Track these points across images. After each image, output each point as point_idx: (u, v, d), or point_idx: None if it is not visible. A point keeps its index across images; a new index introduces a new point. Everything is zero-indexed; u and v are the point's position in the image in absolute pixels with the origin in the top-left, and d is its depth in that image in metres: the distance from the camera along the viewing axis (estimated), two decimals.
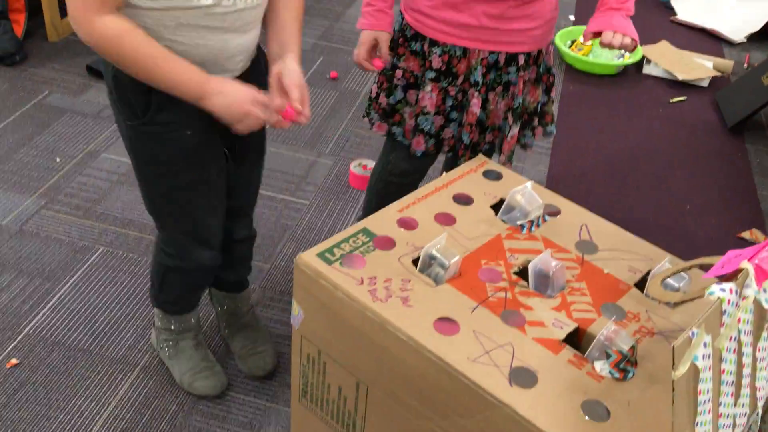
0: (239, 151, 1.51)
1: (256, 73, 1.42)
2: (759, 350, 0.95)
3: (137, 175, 1.45)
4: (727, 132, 2.98)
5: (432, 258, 1.21)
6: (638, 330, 1.16)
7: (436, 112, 1.58)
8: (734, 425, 0.93)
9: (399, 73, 1.59)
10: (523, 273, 1.26)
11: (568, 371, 1.07)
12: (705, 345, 0.81)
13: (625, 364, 1.06)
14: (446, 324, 1.12)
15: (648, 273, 1.28)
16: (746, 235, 2.39)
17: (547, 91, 1.67)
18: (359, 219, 1.96)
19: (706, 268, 1.09)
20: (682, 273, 1.22)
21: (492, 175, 1.48)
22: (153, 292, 1.67)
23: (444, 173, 1.48)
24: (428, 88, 1.55)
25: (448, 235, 1.28)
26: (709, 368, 0.83)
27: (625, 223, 1.41)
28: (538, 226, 1.36)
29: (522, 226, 1.35)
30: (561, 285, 1.22)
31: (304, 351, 1.32)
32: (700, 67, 3.36)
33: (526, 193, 1.36)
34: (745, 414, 0.96)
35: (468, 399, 1.05)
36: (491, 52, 1.52)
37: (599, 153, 2.78)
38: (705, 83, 3.29)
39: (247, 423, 1.64)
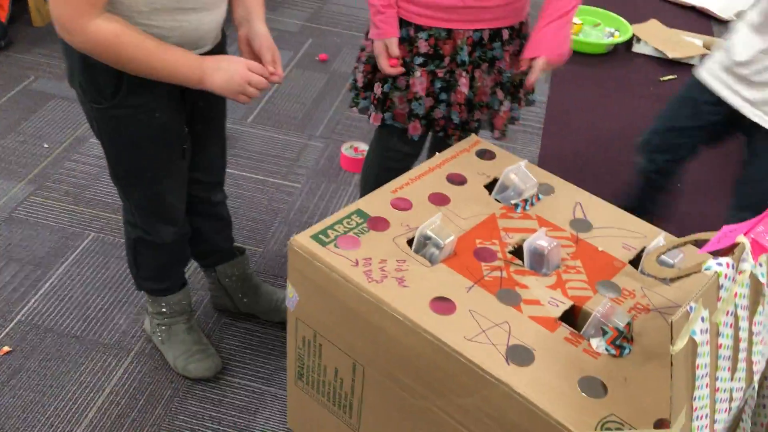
0: (203, 132, 1.53)
1: (220, 46, 1.44)
2: (755, 324, 0.96)
3: (104, 151, 1.45)
4: None
5: (427, 238, 1.21)
6: (633, 307, 1.16)
7: (426, 94, 1.57)
8: (731, 399, 0.93)
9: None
10: (518, 252, 1.25)
11: (564, 349, 1.07)
12: (702, 320, 0.81)
13: (621, 340, 1.06)
14: (442, 304, 1.12)
15: (642, 250, 1.28)
16: None
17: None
18: None
19: (700, 244, 1.10)
20: (676, 249, 1.23)
21: (485, 155, 1.48)
22: (132, 272, 1.68)
23: (436, 153, 1.48)
24: (417, 73, 1.54)
25: (442, 215, 1.28)
26: (707, 343, 0.83)
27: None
28: (532, 204, 1.36)
29: (516, 205, 1.34)
30: (556, 263, 1.22)
31: (300, 333, 1.32)
32: (689, 45, 3.35)
33: (520, 172, 1.36)
34: (742, 388, 0.96)
35: (465, 378, 1.05)
36: (476, 30, 1.52)
37: (590, 132, 2.77)
38: (695, 61, 3.29)
39: (243, 407, 1.64)
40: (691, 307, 0.79)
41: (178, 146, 1.45)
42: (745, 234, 0.89)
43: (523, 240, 1.27)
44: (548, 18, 1.51)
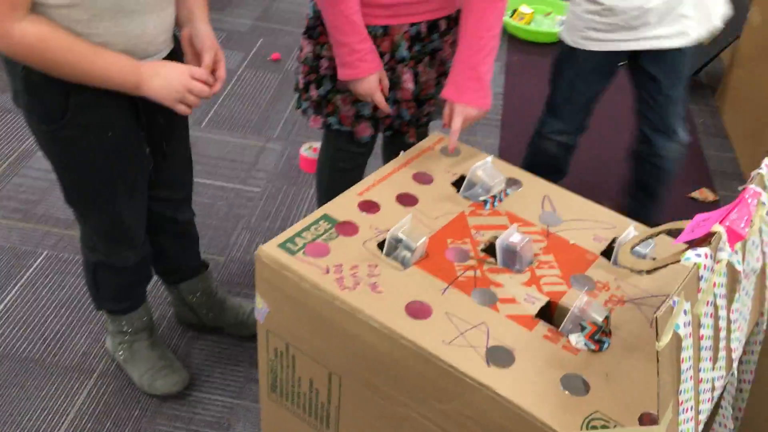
0: (167, 146, 1.47)
1: (175, 54, 1.38)
2: (732, 312, 0.95)
3: (56, 174, 1.38)
4: None
5: (398, 241, 1.18)
6: (609, 299, 1.15)
7: None
8: (713, 388, 0.93)
9: (324, 62, 1.54)
10: (490, 250, 1.23)
11: (544, 347, 1.06)
12: (685, 313, 0.81)
13: (600, 335, 1.05)
14: (418, 307, 1.10)
15: (613, 241, 1.27)
16: (696, 194, 2.44)
17: None
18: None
19: (674, 233, 1.09)
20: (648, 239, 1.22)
21: (449, 151, 1.45)
22: (92, 293, 1.61)
23: (401, 152, 1.45)
24: None
25: (412, 216, 1.25)
26: (690, 335, 0.82)
27: (579, 190, 1.41)
28: (500, 200, 1.34)
29: (485, 202, 1.32)
30: (529, 259, 1.21)
31: (271, 345, 1.28)
32: None
33: (487, 168, 1.34)
34: (722, 376, 0.96)
35: (446, 383, 1.03)
36: (412, 24, 1.49)
37: None
38: None
39: (215, 422, 1.59)
40: (674, 301, 0.78)
41: (135, 165, 1.39)
42: (720, 222, 0.89)
43: (495, 237, 1.25)
44: (472, 57, 1.43)
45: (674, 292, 0.79)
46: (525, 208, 1.33)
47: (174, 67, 1.25)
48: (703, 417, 0.92)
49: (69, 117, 1.24)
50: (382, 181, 1.36)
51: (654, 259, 1.16)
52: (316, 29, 1.54)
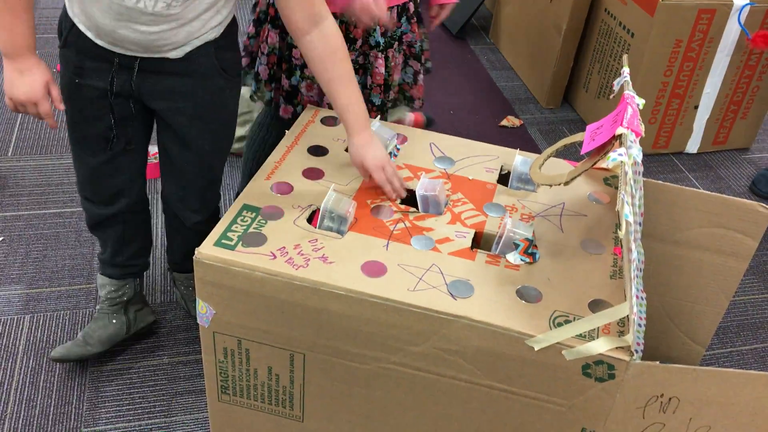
0: (134, 137, 1.53)
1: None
2: (638, 198, 1.14)
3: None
4: (453, 39, 3.29)
5: (330, 212, 1.22)
6: (520, 218, 1.30)
7: None
8: (639, 266, 1.11)
9: (297, 52, 1.53)
10: (407, 201, 1.32)
11: (490, 271, 1.18)
12: (627, 203, 0.96)
13: (532, 248, 1.20)
14: (372, 267, 1.16)
15: (502, 169, 1.43)
16: (505, 122, 2.71)
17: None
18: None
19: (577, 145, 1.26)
20: (527, 160, 1.39)
21: (330, 121, 1.51)
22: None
23: (285, 131, 1.47)
24: None
25: (323, 186, 1.30)
26: (634, 222, 0.98)
27: None
28: (395, 156, 1.43)
29: None
30: (445, 201, 1.32)
31: (219, 346, 1.26)
32: None
33: (378, 128, 1.41)
34: (642, 253, 1.14)
35: (420, 325, 1.11)
36: (389, 8, 1.51)
37: None
38: None
39: None
40: (623, 195, 0.93)
41: (90, 125, 1.41)
42: (620, 125, 1.05)
43: (406, 189, 1.34)
44: None
45: (620, 189, 0.94)
46: (419, 157, 1.44)
47: (44, 73, 1.27)
48: (635, 288, 1.10)
49: (68, 43, 1.30)
50: (283, 161, 1.38)
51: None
52: (279, 18, 1.48)
